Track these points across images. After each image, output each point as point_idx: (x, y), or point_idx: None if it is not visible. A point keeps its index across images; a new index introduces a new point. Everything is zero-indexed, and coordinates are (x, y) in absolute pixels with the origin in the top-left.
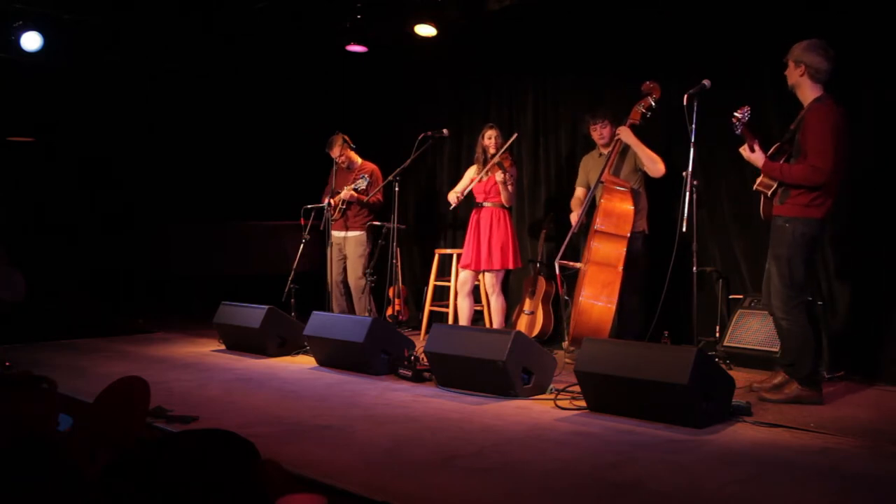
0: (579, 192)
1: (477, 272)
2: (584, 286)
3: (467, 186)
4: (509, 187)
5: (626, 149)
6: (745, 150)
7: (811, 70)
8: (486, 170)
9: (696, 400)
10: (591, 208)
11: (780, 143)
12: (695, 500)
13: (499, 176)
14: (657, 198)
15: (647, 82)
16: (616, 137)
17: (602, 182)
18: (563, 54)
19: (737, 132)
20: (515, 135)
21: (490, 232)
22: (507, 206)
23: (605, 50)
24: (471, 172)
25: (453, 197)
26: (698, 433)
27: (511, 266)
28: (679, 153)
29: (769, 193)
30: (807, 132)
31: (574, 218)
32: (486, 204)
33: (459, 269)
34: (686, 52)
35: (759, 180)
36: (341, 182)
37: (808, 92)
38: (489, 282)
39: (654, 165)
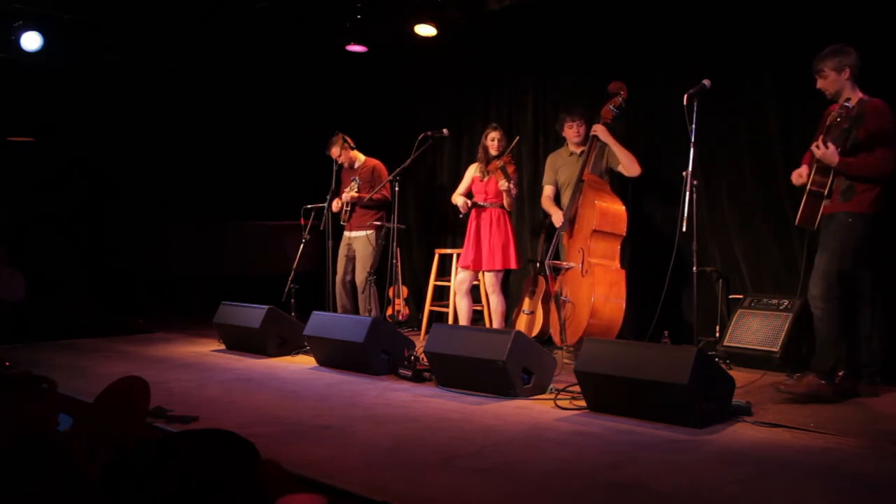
0: (549, 190)
1: (476, 272)
2: (595, 286)
3: (468, 186)
4: (513, 193)
5: (602, 149)
6: (816, 149)
7: (855, 70)
8: (488, 172)
9: (696, 400)
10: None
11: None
12: (695, 500)
13: (503, 184)
14: (657, 198)
15: (615, 82)
16: (592, 136)
17: (584, 181)
18: (563, 54)
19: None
20: (518, 138)
21: (490, 232)
22: (508, 209)
23: (605, 50)
24: (472, 171)
25: (461, 201)
26: (698, 433)
27: (511, 266)
28: (679, 153)
29: (825, 192)
30: (871, 128)
31: (558, 218)
32: (485, 205)
33: (458, 269)
34: (686, 52)
35: (813, 180)
36: (346, 182)
37: (851, 93)
38: (489, 282)
39: (632, 164)
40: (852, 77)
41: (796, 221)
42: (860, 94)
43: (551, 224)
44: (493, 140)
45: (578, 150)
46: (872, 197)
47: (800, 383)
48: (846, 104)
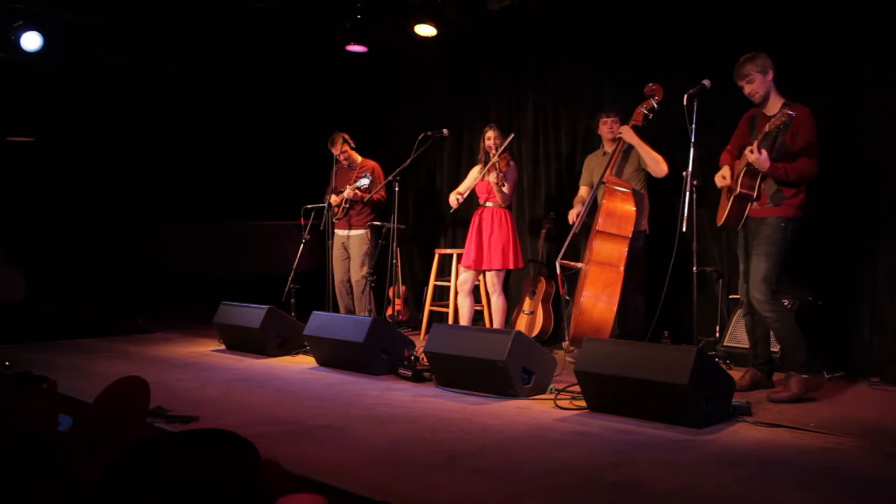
0: (583, 190)
1: (478, 272)
2: (585, 286)
3: (470, 186)
4: (504, 189)
5: (628, 149)
6: (751, 153)
7: (774, 75)
8: (486, 170)
9: (696, 400)
10: (592, 208)
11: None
12: (695, 500)
13: (492, 177)
14: (657, 198)
15: (651, 84)
16: (618, 137)
17: (604, 182)
18: (563, 54)
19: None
20: (512, 135)
21: (492, 232)
22: (504, 206)
23: (606, 50)
24: (474, 172)
25: (454, 199)
26: (698, 433)
27: (512, 266)
28: (679, 153)
29: (754, 195)
30: (799, 133)
31: (573, 217)
32: (487, 204)
33: (460, 269)
34: (686, 52)
35: (741, 182)
36: (343, 181)
37: (775, 97)
38: (490, 281)
39: (658, 166)
40: (774, 80)
41: (719, 222)
42: (782, 98)
43: (552, 223)
44: (489, 139)
45: (611, 149)
46: (800, 201)
47: (788, 387)
48: (789, 112)
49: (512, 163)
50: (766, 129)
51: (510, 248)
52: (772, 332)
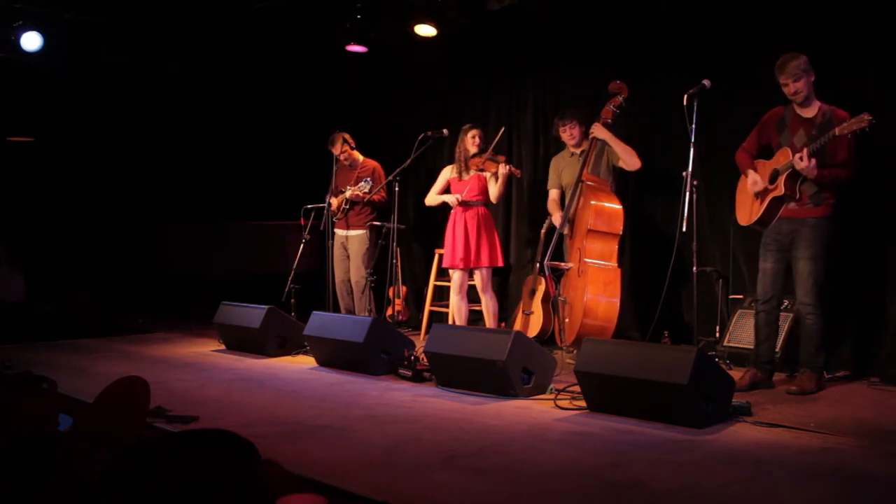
0: (554, 194)
1: (467, 270)
2: (587, 285)
3: (443, 188)
4: (515, 173)
5: (602, 148)
6: (800, 160)
7: (814, 80)
8: (471, 169)
9: (696, 400)
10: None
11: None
12: (695, 500)
13: (502, 169)
14: (657, 198)
15: (616, 81)
16: (591, 136)
17: (583, 181)
18: (564, 54)
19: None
20: (502, 129)
21: (477, 230)
22: (494, 203)
23: (606, 50)
24: (447, 173)
25: (453, 199)
26: (698, 433)
27: (499, 264)
28: (679, 153)
29: (797, 197)
30: (842, 145)
31: (557, 219)
32: (469, 203)
33: (452, 270)
34: (686, 52)
35: (785, 185)
36: (343, 181)
37: (814, 98)
38: (480, 279)
39: (631, 158)
40: (813, 84)
41: (745, 222)
42: (818, 101)
43: (552, 224)
44: (473, 137)
45: (578, 151)
46: (835, 202)
47: (805, 382)
48: (868, 118)
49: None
50: (837, 131)
51: (496, 247)
52: (801, 330)
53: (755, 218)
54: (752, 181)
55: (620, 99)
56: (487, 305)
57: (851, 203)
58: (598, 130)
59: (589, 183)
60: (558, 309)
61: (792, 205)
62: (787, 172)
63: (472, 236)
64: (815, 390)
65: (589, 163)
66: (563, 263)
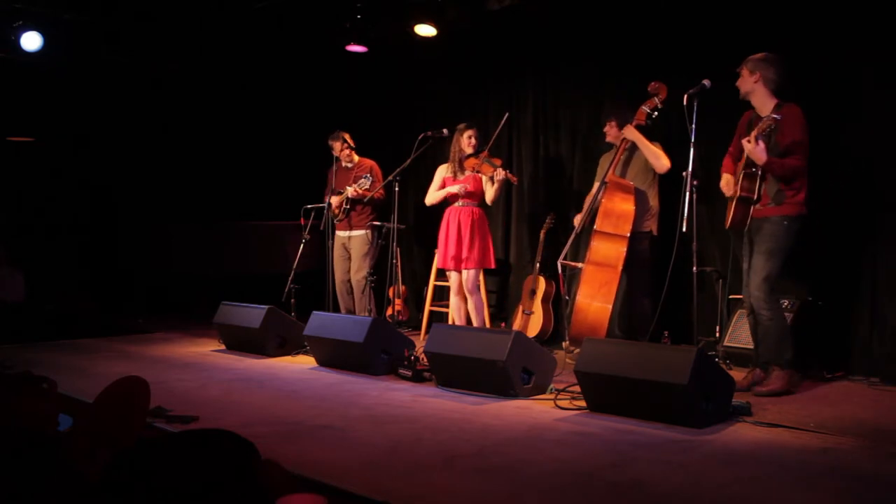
0: (595, 188)
1: (459, 271)
2: (581, 286)
3: (441, 187)
4: (510, 179)
5: (633, 148)
6: (748, 143)
7: (765, 79)
8: (465, 170)
9: (696, 400)
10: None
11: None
12: (695, 500)
13: (499, 174)
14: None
15: (654, 83)
16: (622, 137)
17: (606, 182)
18: (564, 54)
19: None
20: (507, 115)
21: (471, 231)
22: (489, 204)
23: (606, 50)
24: (442, 171)
25: (461, 189)
26: (698, 433)
27: (490, 266)
28: (679, 153)
29: (754, 197)
30: (785, 131)
31: (577, 218)
32: (463, 204)
33: (448, 271)
34: (686, 52)
35: (742, 186)
36: (342, 181)
37: (766, 98)
38: (471, 280)
39: (658, 161)
40: (763, 84)
41: (727, 226)
42: (775, 100)
43: (552, 224)
44: (469, 138)
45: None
46: (802, 199)
47: (772, 382)
48: (774, 116)
49: None
50: (755, 132)
51: (488, 248)
52: (757, 326)
53: (729, 220)
54: (724, 183)
55: (657, 101)
56: (474, 305)
57: (851, 203)
58: (628, 132)
59: (612, 184)
60: (565, 308)
61: (758, 206)
62: (743, 172)
63: (465, 236)
64: (785, 390)
65: (615, 164)
66: (575, 263)
